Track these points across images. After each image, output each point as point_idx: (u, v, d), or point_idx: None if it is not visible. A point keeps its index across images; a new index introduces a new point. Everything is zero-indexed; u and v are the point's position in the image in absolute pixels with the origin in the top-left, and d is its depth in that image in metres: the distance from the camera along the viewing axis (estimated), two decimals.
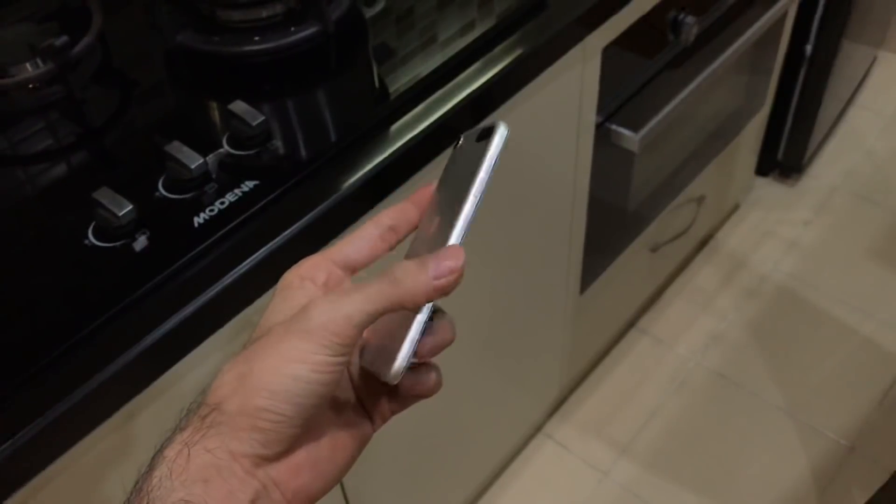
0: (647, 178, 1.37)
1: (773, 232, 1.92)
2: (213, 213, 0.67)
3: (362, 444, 0.42)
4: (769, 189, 2.02)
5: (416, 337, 0.39)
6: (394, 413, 0.44)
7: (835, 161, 2.07)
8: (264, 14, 0.83)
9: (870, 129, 2.16)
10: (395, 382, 0.39)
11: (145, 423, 0.66)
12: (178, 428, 0.37)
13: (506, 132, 0.41)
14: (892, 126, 2.16)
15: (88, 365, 0.59)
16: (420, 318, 0.39)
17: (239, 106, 0.73)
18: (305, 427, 0.37)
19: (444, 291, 0.38)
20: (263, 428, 0.36)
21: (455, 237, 0.39)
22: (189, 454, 0.35)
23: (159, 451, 0.36)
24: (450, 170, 0.44)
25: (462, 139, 0.44)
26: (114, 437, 0.64)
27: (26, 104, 0.80)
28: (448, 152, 0.46)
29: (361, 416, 0.42)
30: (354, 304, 0.37)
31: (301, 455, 0.38)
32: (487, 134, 0.42)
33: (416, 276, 0.37)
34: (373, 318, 0.37)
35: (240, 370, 0.37)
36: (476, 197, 0.40)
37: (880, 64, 2.32)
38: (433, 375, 0.42)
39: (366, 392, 0.43)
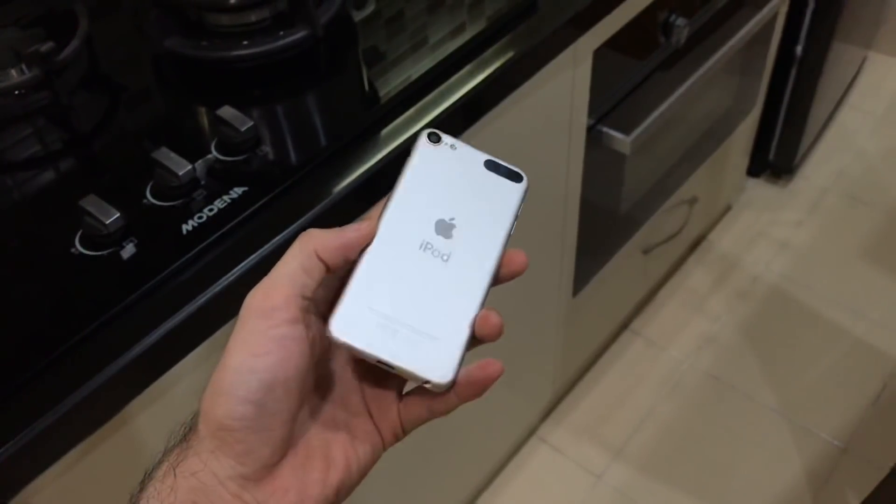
0: (639, 180, 1.37)
1: (764, 233, 1.92)
2: (201, 220, 0.67)
3: (362, 465, 0.40)
4: (761, 190, 2.03)
5: (470, 335, 0.39)
6: (408, 428, 0.41)
7: (826, 162, 2.08)
8: (253, 18, 0.83)
9: (860, 129, 2.17)
10: (448, 389, 0.38)
11: (135, 432, 0.65)
12: (167, 449, 0.37)
13: (528, 186, 0.43)
14: (882, 126, 2.17)
15: (77, 375, 0.58)
16: (475, 309, 0.39)
17: (227, 111, 0.72)
18: (280, 432, 0.36)
19: (367, 237, 0.39)
20: (233, 441, 0.35)
21: (490, 275, 0.40)
22: (175, 476, 0.35)
23: (149, 473, 0.36)
24: (429, 167, 0.42)
25: (443, 139, 0.43)
26: (103, 448, 0.63)
27: (12, 110, 0.79)
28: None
29: (367, 432, 0.40)
30: (277, 268, 0.37)
31: (286, 475, 0.37)
32: (506, 173, 0.43)
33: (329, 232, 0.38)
34: (299, 274, 0.37)
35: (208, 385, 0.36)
36: (506, 239, 0.41)
37: (870, 65, 2.33)
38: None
39: (378, 406, 0.41)
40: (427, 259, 0.40)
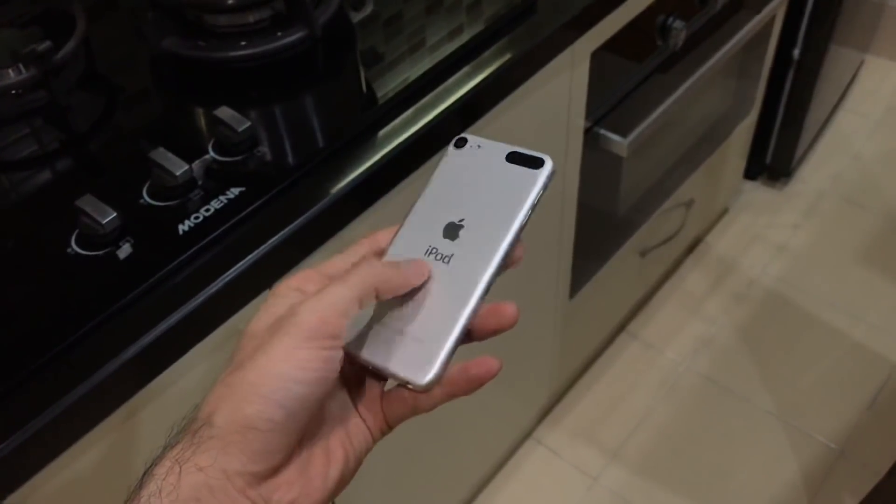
0: (636, 183, 1.37)
1: (761, 236, 1.92)
2: (198, 221, 0.66)
3: (358, 457, 0.41)
4: (758, 193, 2.03)
5: (458, 336, 0.39)
6: (392, 424, 0.42)
7: (823, 165, 2.08)
8: (251, 19, 0.83)
9: (857, 132, 2.17)
10: (429, 390, 0.39)
11: (131, 432, 0.65)
12: (169, 444, 0.36)
13: (552, 169, 0.43)
14: (879, 130, 2.17)
15: (72, 375, 0.58)
16: (466, 312, 0.39)
17: (225, 112, 0.72)
18: (297, 437, 0.37)
19: (420, 278, 0.41)
20: (253, 440, 0.35)
21: (488, 276, 0.40)
22: (180, 472, 0.34)
23: (149, 469, 0.35)
24: (451, 171, 0.44)
25: (469, 142, 0.44)
26: (97, 449, 0.63)
27: (9, 110, 0.79)
28: (446, 151, 0.45)
29: (358, 425, 0.41)
30: (338, 292, 0.38)
31: (290, 470, 0.37)
32: (527, 162, 0.43)
33: (390, 266, 0.40)
34: (356, 305, 0.38)
35: (229, 379, 0.36)
36: (514, 235, 0.41)
37: (867, 68, 2.33)
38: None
39: (362, 401, 0.42)
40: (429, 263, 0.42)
